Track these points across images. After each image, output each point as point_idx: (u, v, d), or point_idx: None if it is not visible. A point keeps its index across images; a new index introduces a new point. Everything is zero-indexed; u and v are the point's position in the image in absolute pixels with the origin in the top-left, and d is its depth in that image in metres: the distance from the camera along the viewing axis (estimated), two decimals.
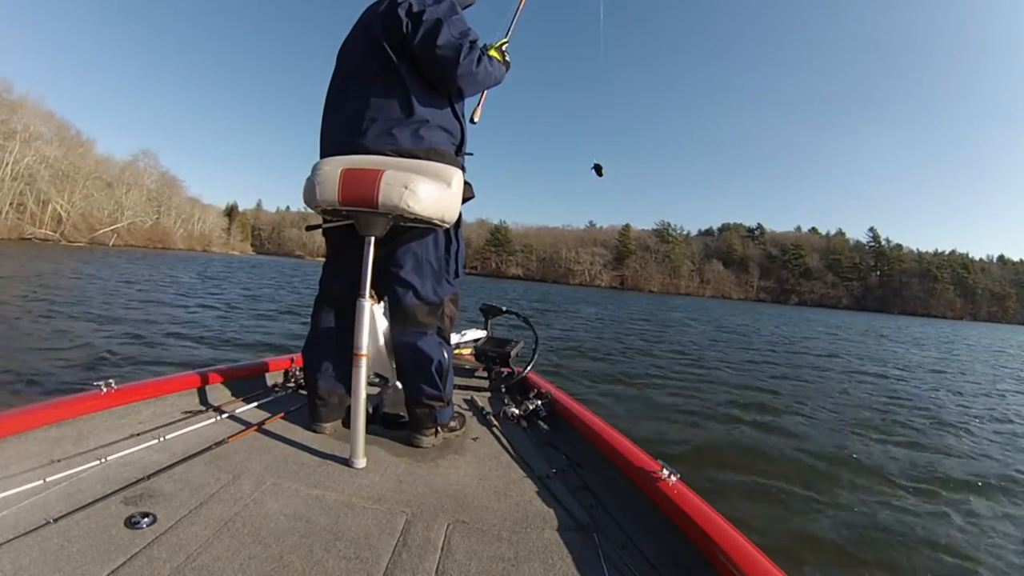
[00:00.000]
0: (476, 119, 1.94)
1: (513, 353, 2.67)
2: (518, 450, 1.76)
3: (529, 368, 2.44)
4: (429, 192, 1.43)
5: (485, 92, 1.97)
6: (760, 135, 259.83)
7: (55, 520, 1.08)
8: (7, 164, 48.23)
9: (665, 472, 1.27)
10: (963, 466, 3.98)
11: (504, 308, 2.88)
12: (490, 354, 2.69)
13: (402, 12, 1.62)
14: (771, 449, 3.87)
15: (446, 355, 1.75)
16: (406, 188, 1.39)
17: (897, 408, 6.02)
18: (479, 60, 1.63)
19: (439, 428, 1.76)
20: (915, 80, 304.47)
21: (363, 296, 1.52)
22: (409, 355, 1.73)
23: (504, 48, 1.88)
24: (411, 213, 1.41)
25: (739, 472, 3.30)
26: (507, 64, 1.86)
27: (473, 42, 1.63)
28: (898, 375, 9.40)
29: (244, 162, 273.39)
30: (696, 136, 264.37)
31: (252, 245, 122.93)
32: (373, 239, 1.51)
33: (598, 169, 2.23)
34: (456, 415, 1.88)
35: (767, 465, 3.49)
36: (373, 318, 1.63)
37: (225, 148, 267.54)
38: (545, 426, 1.97)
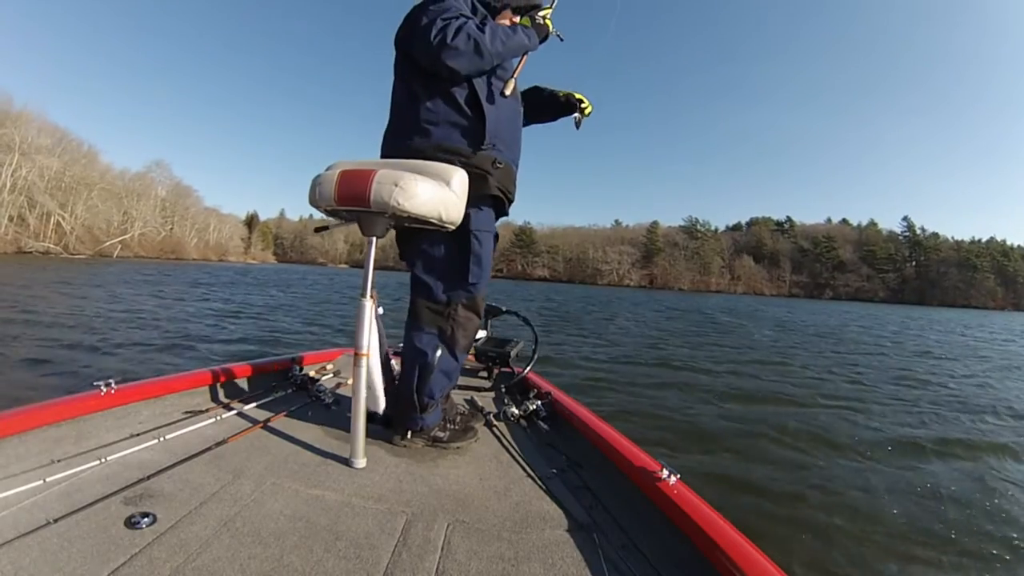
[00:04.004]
0: (507, 93, 1.68)
1: (513, 353, 2.63)
2: (518, 450, 1.73)
3: (529, 368, 2.39)
4: (421, 190, 1.42)
5: (520, 65, 1.74)
6: (782, 126, 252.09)
7: (55, 520, 1.08)
8: (4, 177, 47.29)
9: (665, 472, 1.26)
10: None
11: (504, 308, 2.79)
12: (490, 354, 2.64)
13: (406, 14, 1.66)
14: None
15: (436, 357, 1.66)
16: (396, 186, 1.39)
17: None
18: (457, 32, 1.50)
19: (410, 432, 1.71)
20: (944, 63, 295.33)
21: (363, 296, 1.51)
22: (404, 351, 1.72)
23: (541, 16, 1.75)
24: (403, 211, 1.40)
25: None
26: (540, 30, 1.73)
27: (450, 19, 1.52)
28: None
29: (267, 174, 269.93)
30: (717, 129, 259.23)
31: (275, 254, 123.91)
32: (375, 239, 1.53)
33: (576, 122, 2.05)
34: (453, 426, 1.78)
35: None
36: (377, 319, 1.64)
37: (248, 161, 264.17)
38: (545, 426, 1.92)
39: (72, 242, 51.96)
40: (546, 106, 2.02)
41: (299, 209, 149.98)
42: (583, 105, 1.99)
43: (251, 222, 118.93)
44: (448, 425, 1.76)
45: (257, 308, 11.64)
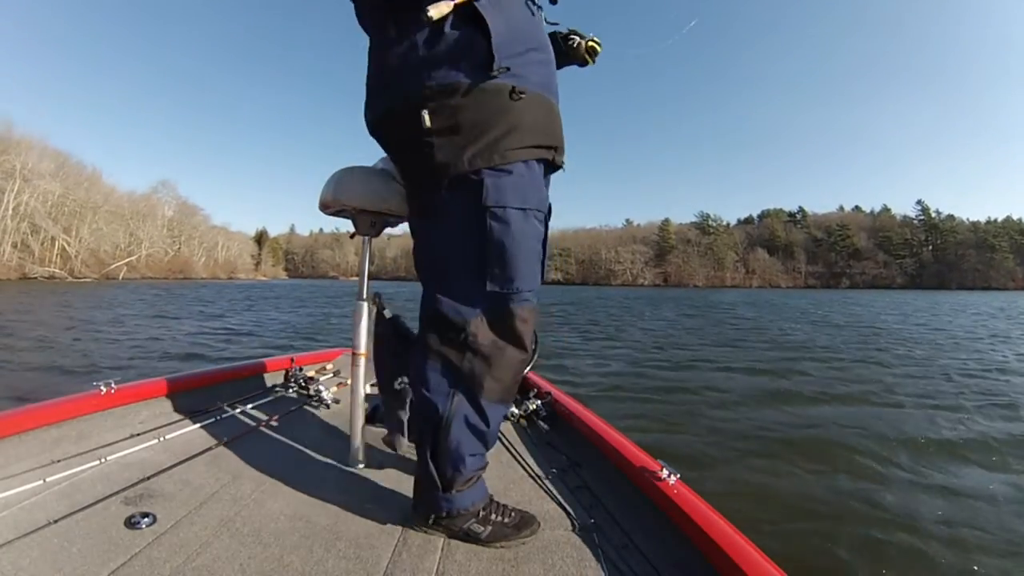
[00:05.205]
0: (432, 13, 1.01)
1: None
2: (518, 450, 1.70)
3: (529, 368, 2.14)
4: (347, 179, 1.35)
5: None
6: (789, 119, 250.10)
7: (55, 520, 1.09)
8: (6, 204, 46.75)
9: (665, 472, 1.24)
10: None
11: None
12: None
13: None
14: None
15: (450, 408, 1.11)
16: (335, 181, 1.36)
17: None
18: None
19: (434, 517, 1.16)
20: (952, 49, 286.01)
21: (359, 299, 1.50)
22: (413, 399, 1.25)
23: None
24: (342, 205, 1.36)
25: None
26: None
27: None
28: None
29: (276, 191, 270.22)
30: (725, 126, 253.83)
31: (286, 269, 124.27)
32: (367, 240, 1.51)
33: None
34: (501, 518, 1.17)
35: None
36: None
37: (255, 180, 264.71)
38: (545, 426, 1.90)
39: (77, 266, 51.76)
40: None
41: (309, 224, 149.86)
42: (595, 52, 1.46)
43: (261, 239, 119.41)
44: (493, 516, 1.18)
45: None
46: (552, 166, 1.20)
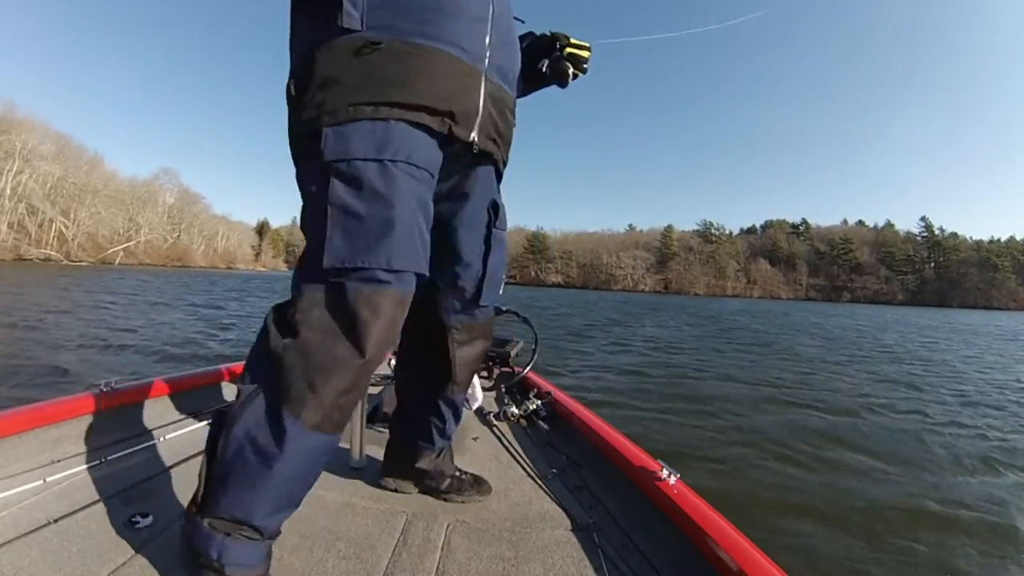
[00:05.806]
0: None
1: (513, 353, 2.62)
2: (518, 450, 1.71)
3: (529, 368, 2.34)
4: None
5: None
6: (793, 124, 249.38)
7: (55, 520, 1.09)
8: (4, 184, 46.95)
9: (665, 472, 1.25)
10: None
11: (504, 308, 2.70)
12: (490, 354, 2.59)
13: None
14: None
15: (228, 417, 0.93)
16: None
17: None
18: None
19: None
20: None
21: None
22: None
23: None
24: None
25: None
26: None
27: None
28: None
29: (279, 185, 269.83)
30: (732, 133, 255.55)
31: (286, 261, 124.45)
32: None
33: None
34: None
35: None
36: None
37: (257, 171, 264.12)
38: (545, 426, 1.91)
39: (74, 249, 51.81)
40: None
41: None
42: (580, 59, 1.30)
43: (262, 230, 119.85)
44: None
45: None
46: (457, 142, 0.99)
